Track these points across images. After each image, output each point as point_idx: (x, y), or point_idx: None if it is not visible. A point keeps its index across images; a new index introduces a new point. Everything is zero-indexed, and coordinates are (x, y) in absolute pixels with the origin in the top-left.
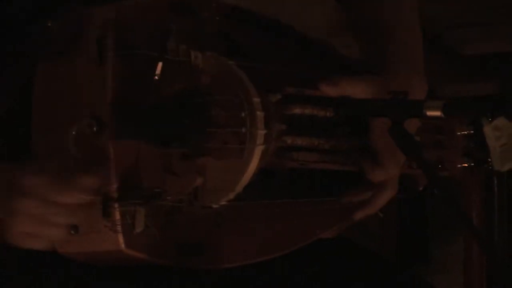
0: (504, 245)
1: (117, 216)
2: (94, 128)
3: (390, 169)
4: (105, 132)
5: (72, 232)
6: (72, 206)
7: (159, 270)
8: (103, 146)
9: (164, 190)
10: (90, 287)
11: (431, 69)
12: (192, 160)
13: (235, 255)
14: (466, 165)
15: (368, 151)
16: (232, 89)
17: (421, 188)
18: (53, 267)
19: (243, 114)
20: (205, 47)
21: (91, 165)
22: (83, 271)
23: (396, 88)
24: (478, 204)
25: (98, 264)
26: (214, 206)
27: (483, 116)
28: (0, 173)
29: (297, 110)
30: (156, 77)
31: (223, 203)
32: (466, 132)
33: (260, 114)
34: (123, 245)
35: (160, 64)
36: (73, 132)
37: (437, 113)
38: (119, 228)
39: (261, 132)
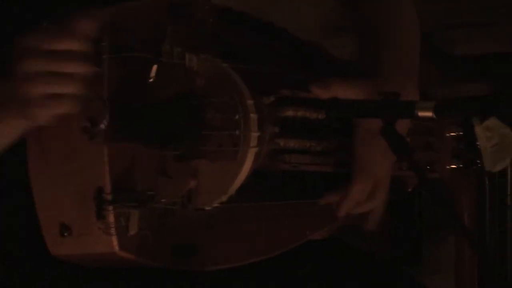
0: (495, 245)
1: (111, 218)
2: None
3: (365, 176)
4: (100, 135)
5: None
6: (75, 73)
7: (152, 271)
8: (97, 148)
9: (158, 193)
10: (82, 287)
11: (421, 70)
12: (186, 162)
13: (227, 257)
14: (455, 166)
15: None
16: (226, 92)
17: (410, 190)
18: (46, 268)
19: (237, 117)
20: (200, 49)
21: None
22: (76, 272)
23: (392, 90)
24: (469, 204)
25: (91, 266)
26: (207, 208)
27: (474, 117)
28: None
29: (290, 113)
30: (151, 80)
31: (216, 205)
32: (455, 134)
33: (253, 116)
34: (117, 248)
35: (155, 67)
36: None
37: (429, 114)
38: (113, 230)
39: (255, 135)
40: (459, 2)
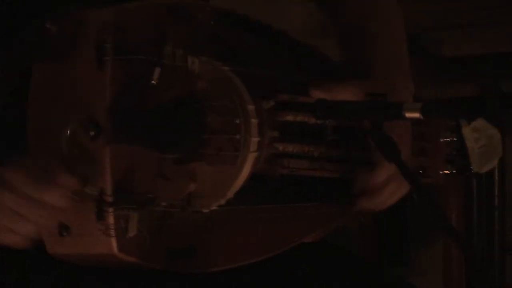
0: (483, 247)
1: (111, 220)
2: (91, 133)
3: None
4: (101, 137)
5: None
6: (54, 205)
7: (150, 272)
8: (99, 150)
9: (157, 196)
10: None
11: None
12: (186, 165)
13: (224, 259)
14: (448, 172)
15: (362, 160)
16: (227, 95)
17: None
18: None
19: (238, 121)
20: (201, 52)
21: (75, 165)
22: (73, 271)
23: (383, 90)
24: (457, 206)
25: (88, 266)
26: (205, 211)
27: (462, 118)
28: None
29: (289, 117)
30: (154, 82)
31: (214, 208)
32: (449, 139)
33: (254, 121)
34: (116, 249)
35: (158, 70)
36: (68, 132)
37: (416, 115)
38: (112, 232)
39: (255, 140)
40: (446, 4)
